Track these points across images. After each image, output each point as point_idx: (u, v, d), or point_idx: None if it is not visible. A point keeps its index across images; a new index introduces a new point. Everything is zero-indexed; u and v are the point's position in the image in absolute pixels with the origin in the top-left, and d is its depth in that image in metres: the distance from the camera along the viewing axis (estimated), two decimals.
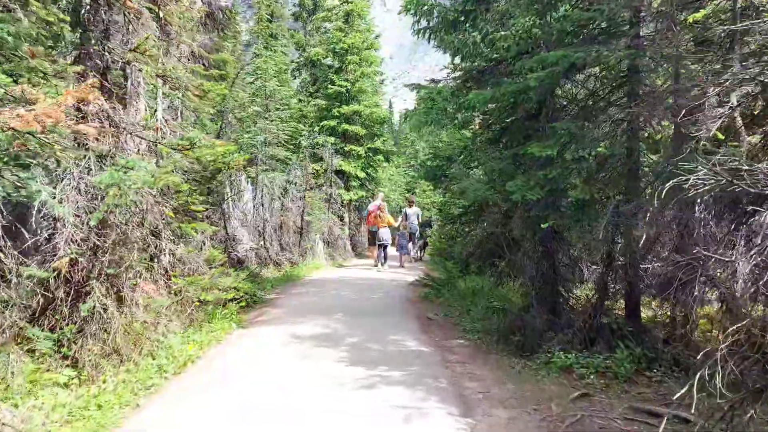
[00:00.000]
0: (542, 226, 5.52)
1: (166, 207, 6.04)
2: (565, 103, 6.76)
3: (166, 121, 6.55)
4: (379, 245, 15.11)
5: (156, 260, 5.81)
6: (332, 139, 18.14)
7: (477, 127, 8.65)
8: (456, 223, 14.39)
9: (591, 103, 6.10)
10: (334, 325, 6.56)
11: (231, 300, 8.01)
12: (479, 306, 7.14)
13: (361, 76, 18.51)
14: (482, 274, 9.09)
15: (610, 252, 5.29)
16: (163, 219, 6.15)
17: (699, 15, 4.85)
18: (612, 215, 5.11)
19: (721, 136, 5.56)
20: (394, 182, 30.96)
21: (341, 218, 18.80)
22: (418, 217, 17.15)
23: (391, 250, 17.94)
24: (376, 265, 15.70)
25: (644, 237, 4.66)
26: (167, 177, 5.06)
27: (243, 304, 8.05)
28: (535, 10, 6.74)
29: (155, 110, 6.40)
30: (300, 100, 21.66)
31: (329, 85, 18.59)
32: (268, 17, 26.17)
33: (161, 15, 6.21)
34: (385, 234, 15.04)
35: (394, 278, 11.99)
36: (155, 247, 5.93)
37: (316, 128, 18.67)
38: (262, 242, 14.09)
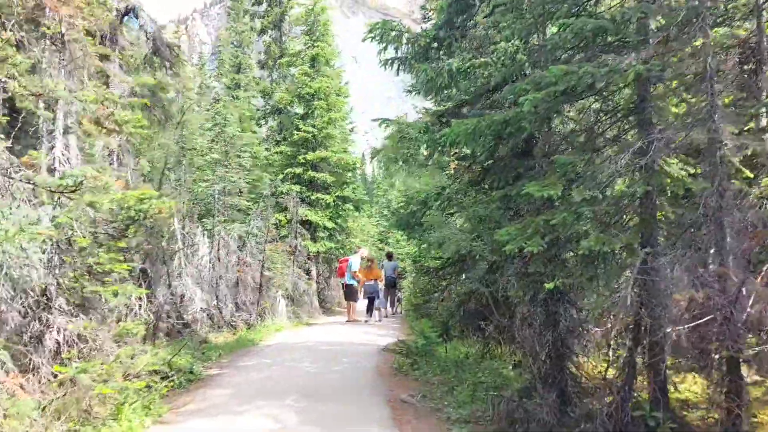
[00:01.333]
0: (547, 286, 4.28)
1: (58, 271, 4.65)
2: (561, 136, 5.68)
3: (68, 160, 5.23)
4: (369, 298, 14.75)
5: (38, 342, 4.36)
6: (297, 188, 16.94)
7: (452, 169, 7.56)
8: (432, 276, 13.14)
9: (598, 131, 5.01)
10: (285, 416, 5.11)
11: (162, 379, 6.51)
12: (465, 383, 5.79)
13: (328, 122, 17.54)
14: (465, 338, 7.77)
15: (638, 321, 4.07)
16: (57, 284, 4.74)
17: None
18: (639, 272, 3.92)
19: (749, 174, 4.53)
20: (366, 233, 29.72)
21: (308, 272, 17.37)
22: (394, 270, 16.32)
23: (361, 305, 16.55)
24: (349, 320, 14.36)
25: (688, 300, 3.48)
26: (46, 230, 3.71)
27: (174, 384, 6.53)
28: (519, 31, 5.73)
29: (52, 147, 5.07)
30: (267, 149, 20.54)
31: (294, 131, 17.53)
32: (235, 69, 25.41)
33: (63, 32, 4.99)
34: (372, 287, 14.68)
35: (363, 340, 10.54)
36: (40, 323, 4.49)
37: (280, 176, 17.47)
38: (215, 302, 12.53)
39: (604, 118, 5.16)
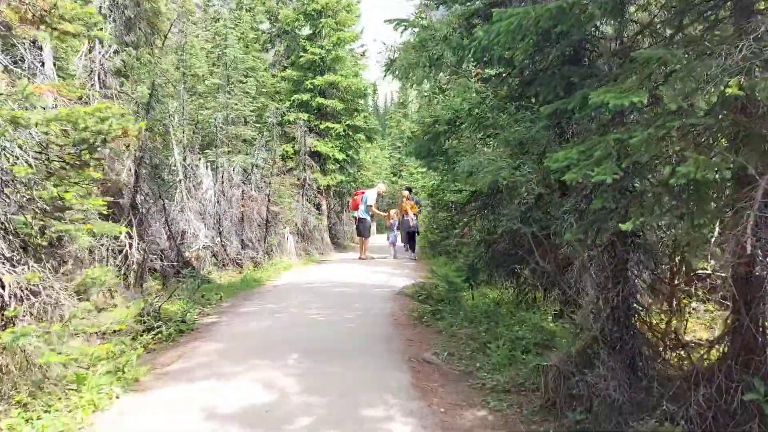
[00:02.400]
0: (622, 227, 3.21)
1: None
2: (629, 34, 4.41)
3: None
4: (409, 233, 14.20)
5: None
6: (305, 116, 15.71)
7: (475, 81, 6.31)
8: (453, 212, 12.11)
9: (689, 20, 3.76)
10: (283, 381, 4.23)
11: (146, 331, 5.67)
12: (500, 339, 4.85)
13: (337, 42, 16.01)
14: (494, 284, 6.80)
15: (749, 273, 3.01)
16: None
17: None
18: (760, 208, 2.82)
19: None
20: (378, 165, 28.57)
21: (318, 207, 16.43)
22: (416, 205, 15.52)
23: (377, 240, 15.87)
24: (362, 258, 13.65)
25: None
26: None
27: (162, 336, 5.70)
28: None
29: None
30: (273, 76, 19.07)
31: (301, 53, 16.06)
32: None
33: None
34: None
35: (376, 281, 9.68)
36: None
37: (287, 103, 16.18)
38: (218, 239, 11.68)
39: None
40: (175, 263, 10.01)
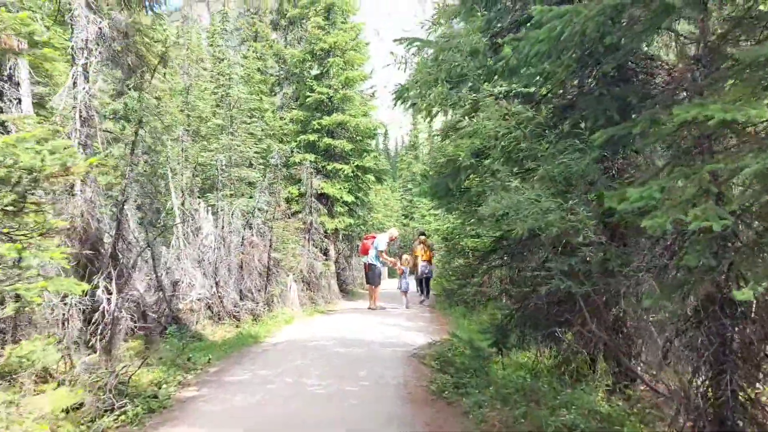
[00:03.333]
0: (738, 295, 2.21)
1: None
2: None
3: None
4: (425, 278, 14.09)
5: None
6: (312, 157, 14.96)
7: (498, 112, 5.41)
8: (471, 258, 11.12)
9: None
10: None
11: (107, 412, 4.65)
12: (547, 428, 3.77)
13: (346, 81, 15.41)
14: (527, 348, 5.73)
15: None
16: None
17: None
18: None
19: None
20: (389, 207, 27.75)
21: (325, 252, 15.48)
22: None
23: (388, 285, 14.99)
24: (371, 308, 12.65)
25: None
26: None
27: (126, 419, 4.67)
28: None
29: None
30: (281, 118, 18.48)
31: (308, 93, 15.46)
32: (252, 37, 23.21)
33: None
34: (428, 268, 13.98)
35: (387, 337, 8.60)
36: None
37: (293, 144, 15.48)
38: (214, 290, 10.72)
39: None
40: (164, 319, 9.04)
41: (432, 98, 4.65)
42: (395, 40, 4.91)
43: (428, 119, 6.15)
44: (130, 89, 17.36)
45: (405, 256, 14.10)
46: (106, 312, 7.38)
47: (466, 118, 4.50)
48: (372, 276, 12.69)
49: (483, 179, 4.89)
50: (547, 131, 3.96)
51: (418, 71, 4.23)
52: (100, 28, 7.84)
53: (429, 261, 13.92)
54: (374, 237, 13.00)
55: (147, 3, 8.50)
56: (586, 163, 3.46)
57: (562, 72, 3.94)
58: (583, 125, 3.91)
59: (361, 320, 10.88)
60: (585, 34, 3.22)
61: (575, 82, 4.39)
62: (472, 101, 4.69)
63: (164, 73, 16.97)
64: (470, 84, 4.51)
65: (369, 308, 12.67)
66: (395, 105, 5.26)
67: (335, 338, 8.59)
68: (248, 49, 21.68)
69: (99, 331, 7.35)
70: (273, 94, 21.19)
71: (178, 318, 9.26)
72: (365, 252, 12.93)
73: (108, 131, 8.47)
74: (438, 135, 15.16)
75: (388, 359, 6.88)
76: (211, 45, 19.28)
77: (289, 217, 13.48)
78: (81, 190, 7.81)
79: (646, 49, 4.63)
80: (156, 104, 17.09)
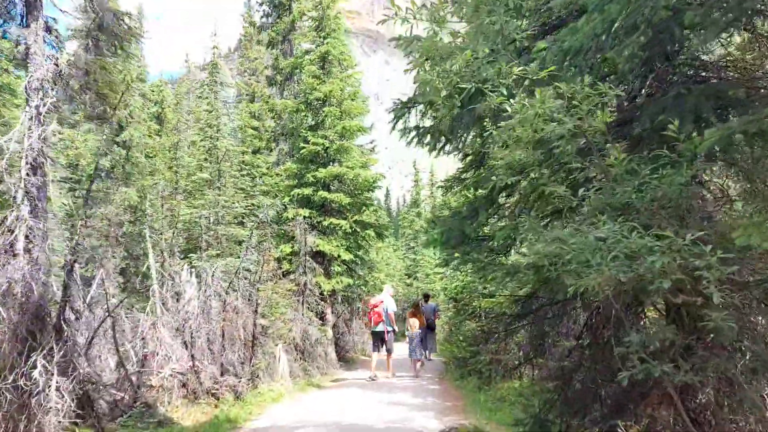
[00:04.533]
0: None
1: None
2: None
3: None
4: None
5: None
6: (306, 212, 13.81)
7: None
8: (487, 321, 9.75)
9: None
10: None
11: None
12: None
13: (342, 132, 14.50)
14: None
15: None
16: None
17: None
18: None
19: None
20: (391, 266, 26.38)
21: (321, 316, 14.05)
22: (434, 312, 14.61)
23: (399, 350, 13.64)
24: (373, 379, 11.46)
25: None
26: None
27: None
28: None
29: None
30: (277, 174, 17.51)
31: (302, 144, 14.51)
32: (249, 99, 22.73)
33: None
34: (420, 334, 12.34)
35: (394, 422, 7.11)
36: None
37: (286, 199, 14.39)
38: (190, 363, 9.28)
39: None
40: (126, 400, 7.58)
41: (441, 114, 3.51)
42: (391, 39, 3.81)
43: (435, 152, 4.99)
44: (116, 145, 16.58)
45: (412, 320, 12.79)
46: (43, 398, 6.01)
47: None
48: (389, 342, 11.86)
49: (514, 217, 3.66)
50: (608, 142, 2.77)
51: (422, 83, 3.08)
52: (57, 65, 6.86)
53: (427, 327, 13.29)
54: (381, 302, 11.98)
55: (115, 42, 7.57)
56: (682, 181, 2.26)
57: (626, 63, 2.78)
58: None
59: (361, 396, 9.37)
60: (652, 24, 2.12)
61: (636, 83, 3.25)
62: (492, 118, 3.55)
63: (158, 131, 16.13)
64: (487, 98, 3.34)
65: (386, 377, 11.64)
66: (393, 128, 4.09)
67: (328, 423, 7.10)
68: (243, 109, 21.05)
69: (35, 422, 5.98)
70: (269, 151, 20.39)
71: (144, 399, 7.80)
72: (376, 321, 11.94)
73: (66, 180, 7.31)
74: (442, 186, 14.11)
75: None
76: (200, 97, 18.62)
77: (281, 278, 12.17)
78: (25, 249, 6.60)
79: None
80: (143, 161, 16.24)
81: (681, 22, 2.39)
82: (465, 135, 4.83)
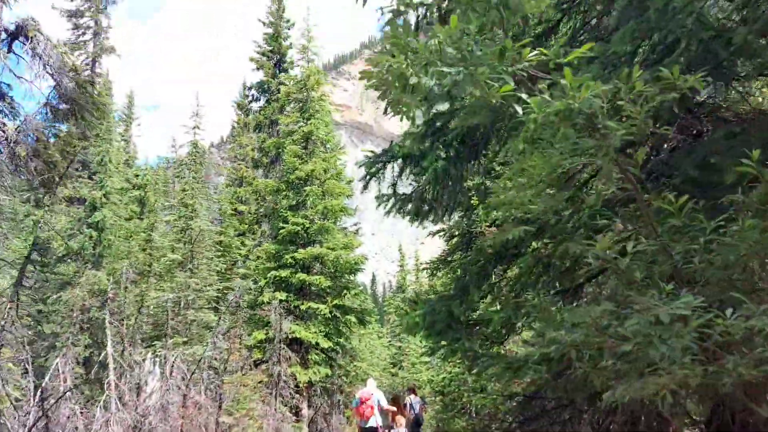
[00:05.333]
0: None
1: None
2: None
3: None
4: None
5: None
6: (283, 295, 12.92)
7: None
8: (479, 421, 8.76)
9: None
10: None
11: None
12: None
13: (324, 212, 13.95)
14: None
15: None
16: None
17: None
18: None
19: None
20: (376, 355, 24.96)
21: (296, 411, 12.77)
22: (421, 407, 12.93)
23: None
24: None
25: None
26: None
27: None
28: None
29: None
30: (258, 257, 16.72)
31: (281, 225, 13.89)
32: (237, 183, 22.41)
33: None
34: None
35: None
36: None
37: (262, 281, 13.54)
38: None
39: None
40: None
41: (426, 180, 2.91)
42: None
43: (417, 221, 4.35)
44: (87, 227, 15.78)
45: (399, 418, 11.75)
46: None
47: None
48: None
49: (514, 295, 2.93)
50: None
51: (392, 103, 2.39)
52: (3, 131, 6.27)
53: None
54: (371, 395, 11.13)
55: (78, 113, 7.03)
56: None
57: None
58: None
59: None
60: None
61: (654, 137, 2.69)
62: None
63: (139, 214, 15.44)
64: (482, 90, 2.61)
65: None
66: (366, 187, 3.45)
67: None
68: (229, 194, 20.53)
69: None
70: (252, 234, 19.72)
71: None
72: (367, 416, 10.97)
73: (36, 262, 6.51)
74: (428, 268, 13.43)
75: None
76: (177, 176, 18.14)
77: (251, 368, 11.07)
78: None
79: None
80: (117, 244, 15.40)
81: (728, 41, 1.84)
82: (451, 200, 4.20)
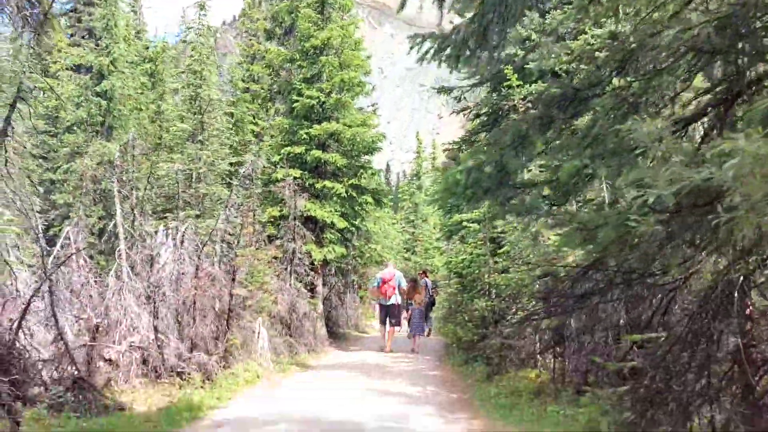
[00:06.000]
0: None
1: None
2: None
3: None
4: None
5: None
6: (297, 173, 12.38)
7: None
8: (497, 300, 8.50)
9: None
10: None
11: None
12: None
13: (341, 84, 12.98)
14: None
15: None
16: None
17: None
18: None
19: None
20: (390, 239, 24.97)
21: (311, 288, 12.75)
22: (433, 288, 14.88)
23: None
24: (384, 350, 11.86)
25: None
26: None
27: None
28: None
29: None
30: (272, 136, 15.98)
31: (296, 98, 13.00)
32: (250, 60, 20.95)
33: None
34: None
35: (387, 419, 5.82)
36: None
37: (276, 157, 12.95)
38: (153, 337, 7.97)
39: None
40: (63, 380, 6.25)
41: None
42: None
43: (456, 68, 3.63)
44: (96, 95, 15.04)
45: (417, 296, 12.56)
46: None
47: None
48: (399, 317, 12.29)
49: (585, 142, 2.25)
50: None
51: None
52: None
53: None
54: (393, 276, 12.14)
55: None
56: None
57: None
58: None
59: (350, 382, 8.10)
60: None
61: None
62: None
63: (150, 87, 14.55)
64: None
65: (386, 351, 11.75)
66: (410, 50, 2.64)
67: (308, 418, 5.79)
68: (240, 69, 19.29)
69: None
70: (265, 111, 18.87)
71: (84, 380, 6.47)
72: (389, 294, 11.99)
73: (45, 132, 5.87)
74: (449, 149, 12.69)
75: None
76: (184, 41, 16.97)
77: (265, 244, 10.81)
78: None
79: None
80: (126, 115, 14.75)
81: None
82: (501, 39, 3.39)
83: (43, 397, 5.74)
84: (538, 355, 7.60)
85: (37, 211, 10.50)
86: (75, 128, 14.94)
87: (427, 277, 15.77)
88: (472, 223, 9.51)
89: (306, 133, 12.52)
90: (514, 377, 7.84)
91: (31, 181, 9.77)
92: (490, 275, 8.89)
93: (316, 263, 12.55)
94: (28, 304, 6.44)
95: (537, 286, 7.05)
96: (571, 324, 6.23)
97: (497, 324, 8.85)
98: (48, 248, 9.76)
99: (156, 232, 10.28)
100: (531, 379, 7.56)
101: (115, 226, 10.92)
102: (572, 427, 5.02)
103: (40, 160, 15.89)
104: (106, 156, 12.59)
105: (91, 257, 10.60)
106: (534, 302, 7.76)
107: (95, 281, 9.38)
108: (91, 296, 9.05)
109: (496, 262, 9.16)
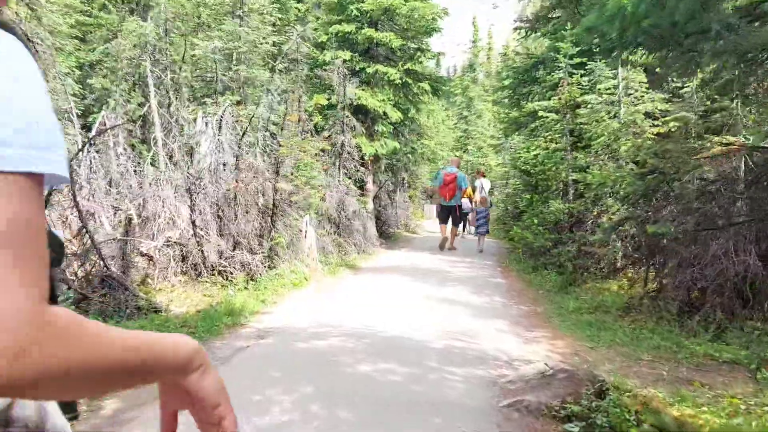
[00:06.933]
0: None
1: None
2: None
3: None
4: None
5: None
6: (347, 54, 11.03)
7: None
8: (574, 203, 7.31)
9: None
10: None
11: None
12: None
13: None
14: None
15: None
16: None
17: None
18: None
19: None
20: (441, 135, 23.50)
21: (361, 184, 11.84)
22: (489, 190, 13.59)
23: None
24: (443, 248, 11.51)
25: None
26: None
27: None
28: None
29: None
30: (317, 18, 14.40)
31: None
32: None
33: None
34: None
35: (456, 337, 5.00)
36: None
37: (323, 38, 11.55)
38: (192, 233, 7.29)
39: None
40: (91, 277, 5.64)
41: None
42: None
43: None
44: None
45: (478, 197, 11.77)
46: None
47: None
48: (459, 217, 11.79)
49: None
50: None
51: None
52: None
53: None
54: (454, 176, 11.26)
55: None
56: None
57: None
58: None
59: (405, 288, 7.32)
60: None
61: None
62: None
63: None
64: None
65: (449, 248, 11.50)
66: None
67: (362, 332, 5.02)
68: None
69: None
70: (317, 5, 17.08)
71: (118, 279, 5.86)
72: (450, 195, 11.23)
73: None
74: (521, 27, 10.91)
75: (465, 408, 3.26)
76: None
77: (312, 135, 9.78)
78: None
79: None
80: None
81: None
82: None
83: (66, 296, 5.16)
84: (629, 266, 6.52)
85: (71, 94, 9.66)
86: (110, 6, 13.79)
87: (484, 177, 14.67)
88: (549, 112, 8.16)
89: (356, 8, 10.98)
90: (592, 289, 6.87)
91: (59, 62, 8.84)
92: (569, 174, 7.65)
93: (366, 158, 11.53)
94: (51, 191, 5.74)
95: (636, 185, 5.83)
96: (677, 232, 5.07)
97: (573, 229, 7.76)
98: (84, 133, 9.07)
99: (195, 120, 9.39)
100: (613, 292, 6.57)
101: (149, 110, 10.05)
102: (691, 359, 4.04)
103: (76, 41, 15.00)
104: (143, 37, 11.53)
105: (132, 147, 9.87)
106: (626, 205, 6.58)
107: (134, 170, 8.72)
108: (131, 186, 8.43)
109: (575, 158, 7.88)
